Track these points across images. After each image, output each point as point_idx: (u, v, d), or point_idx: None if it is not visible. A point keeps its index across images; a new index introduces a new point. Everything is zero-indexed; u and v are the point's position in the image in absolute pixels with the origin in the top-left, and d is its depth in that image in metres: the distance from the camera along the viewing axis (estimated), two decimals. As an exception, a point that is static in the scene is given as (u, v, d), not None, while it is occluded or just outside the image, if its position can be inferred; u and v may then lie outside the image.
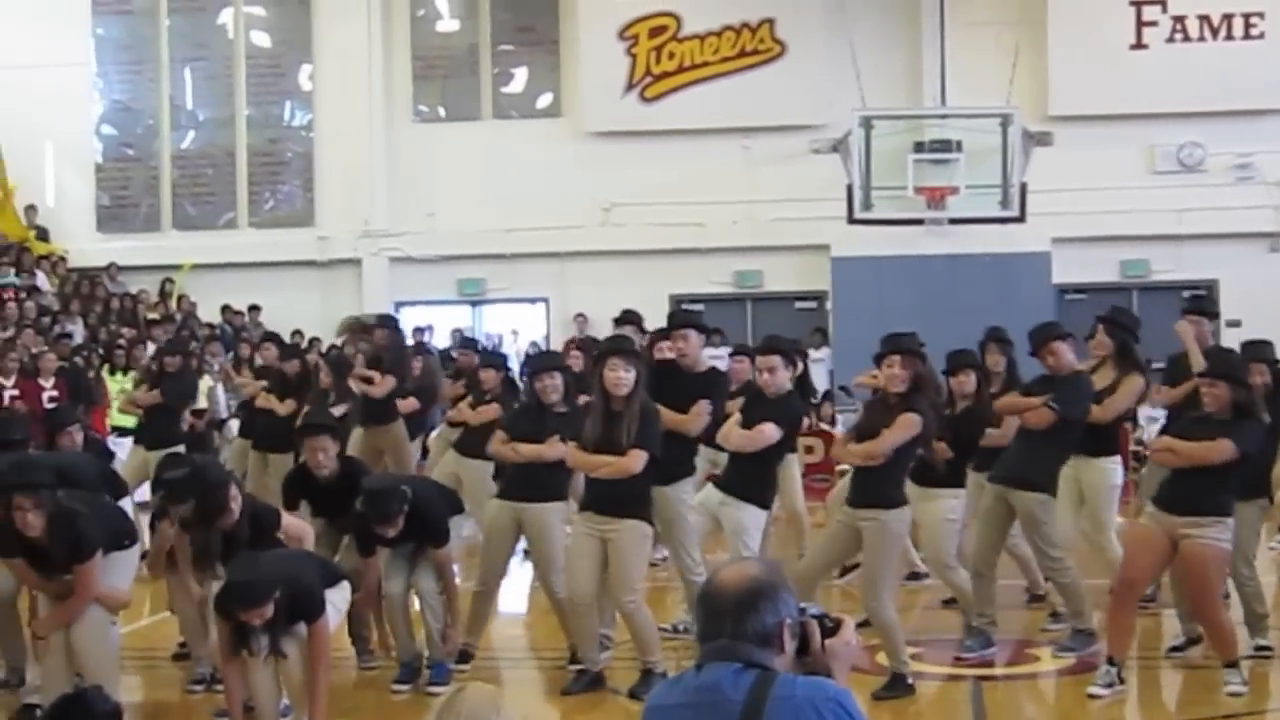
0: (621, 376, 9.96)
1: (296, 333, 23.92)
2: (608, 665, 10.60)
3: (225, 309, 26.14)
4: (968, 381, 11.65)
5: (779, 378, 10.70)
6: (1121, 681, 10.03)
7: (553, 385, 10.77)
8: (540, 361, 12.10)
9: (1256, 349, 11.29)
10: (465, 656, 10.98)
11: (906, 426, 9.87)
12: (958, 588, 11.51)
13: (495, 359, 15.67)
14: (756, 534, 10.88)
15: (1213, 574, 10.03)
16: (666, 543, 11.48)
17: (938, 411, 10.43)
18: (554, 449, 10.53)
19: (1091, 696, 9.98)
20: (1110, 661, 10.10)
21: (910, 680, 10.19)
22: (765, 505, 11.02)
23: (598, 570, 10.22)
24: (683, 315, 11.76)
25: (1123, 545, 10.72)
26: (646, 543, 10.28)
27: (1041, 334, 11.30)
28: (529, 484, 10.83)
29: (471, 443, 14.70)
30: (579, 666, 10.47)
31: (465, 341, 18.70)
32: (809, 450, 15.41)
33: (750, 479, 10.85)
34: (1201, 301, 13.15)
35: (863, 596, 10.30)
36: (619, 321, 15.34)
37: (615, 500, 10.08)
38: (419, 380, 16.56)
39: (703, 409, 10.88)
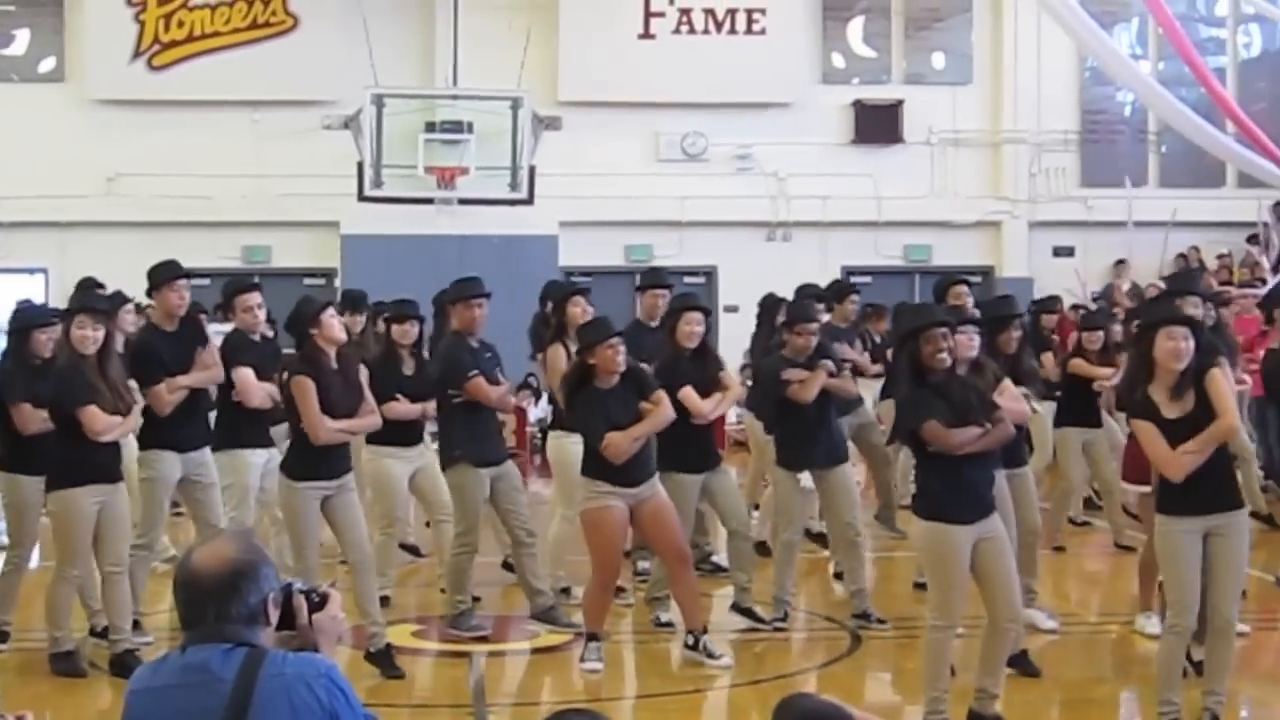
0: (89, 335, 9.88)
1: None
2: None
3: None
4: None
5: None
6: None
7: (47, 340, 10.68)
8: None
9: (687, 299, 11.90)
10: (3, 636, 10.90)
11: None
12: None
13: None
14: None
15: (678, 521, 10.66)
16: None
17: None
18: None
19: (590, 672, 10.27)
20: (594, 637, 10.41)
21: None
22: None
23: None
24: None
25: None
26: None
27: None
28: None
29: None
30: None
31: None
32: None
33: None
34: (658, 274, 13.72)
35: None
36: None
37: (113, 465, 10.17)
38: None
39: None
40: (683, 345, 11.21)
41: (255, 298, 11.43)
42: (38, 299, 25.26)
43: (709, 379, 11.28)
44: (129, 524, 10.33)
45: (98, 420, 9.91)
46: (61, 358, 10.12)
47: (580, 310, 11.92)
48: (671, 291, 13.03)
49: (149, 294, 11.27)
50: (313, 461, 10.09)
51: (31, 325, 10.90)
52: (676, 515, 10.55)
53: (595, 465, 10.31)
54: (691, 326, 11.24)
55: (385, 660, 10.17)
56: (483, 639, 11.19)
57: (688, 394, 10.98)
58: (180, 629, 4.34)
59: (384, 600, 11.42)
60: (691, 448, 11.14)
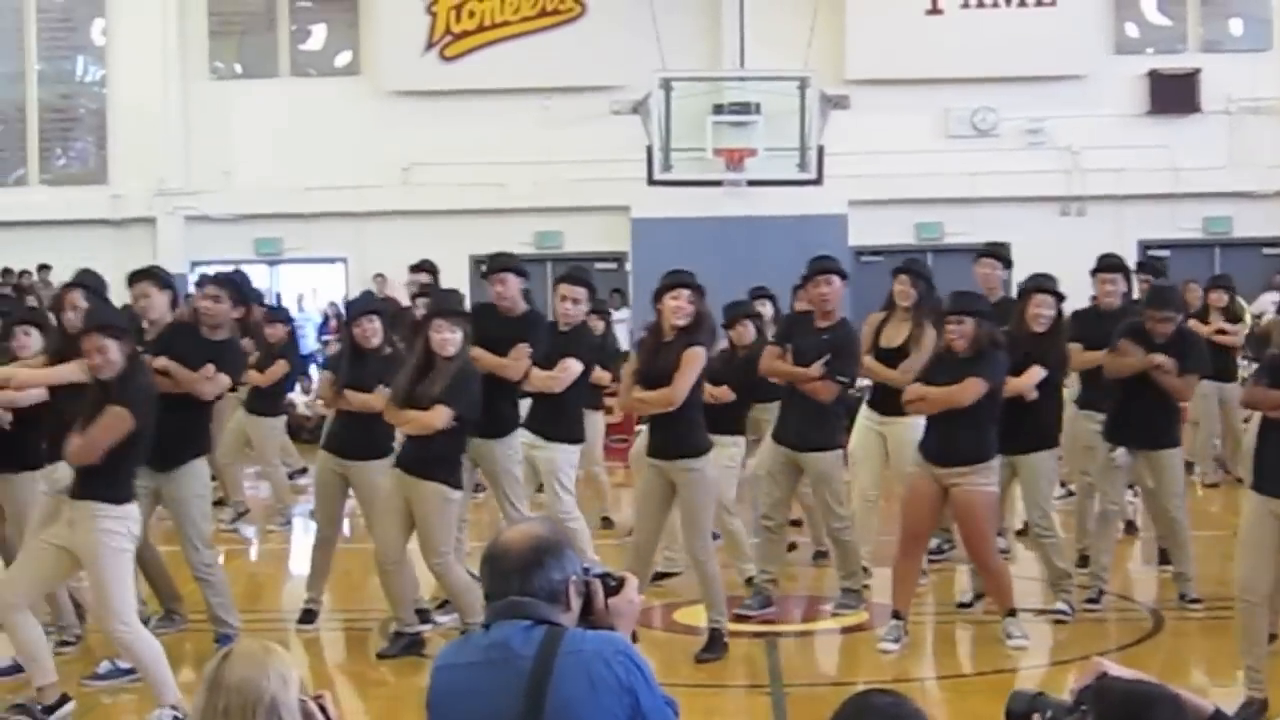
0: (448, 338, 9.93)
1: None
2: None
3: (6, 271, 25.29)
4: (746, 331, 12.12)
5: (580, 308, 11.02)
6: (905, 634, 10.25)
7: (372, 329, 10.79)
8: (359, 305, 11.82)
9: (1039, 280, 11.45)
10: (310, 615, 11.06)
11: (693, 361, 9.89)
12: (732, 536, 11.79)
13: (280, 313, 15.63)
14: (571, 471, 11.02)
15: (984, 519, 10.26)
16: (493, 497, 11.40)
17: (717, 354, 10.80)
18: (380, 399, 10.43)
19: (883, 651, 10.18)
20: (896, 615, 10.30)
21: (726, 639, 10.24)
22: (575, 441, 11.14)
23: (404, 530, 10.17)
24: (502, 259, 11.46)
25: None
26: (450, 506, 10.13)
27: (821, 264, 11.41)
28: (353, 439, 10.81)
29: (260, 401, 14.70)
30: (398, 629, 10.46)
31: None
32: (608, 411, 15.36)
33: (555, 417, 10.93)
34: (996, 247, 13.47)
35: (687, 548, 10.40)
36: (415, 269, 15.22)
37: (419, 460, 10.04)
38: None
39: (522, 352, 10.73)
40: (1030, 328, 10.96)
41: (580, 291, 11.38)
42: (338, 287, 26.17)
43: (1057, 357, 11.12)
44: (435, 523, 10.27)
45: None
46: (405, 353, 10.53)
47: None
48: (1009, 269, 13.00)
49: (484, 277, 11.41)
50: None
51: (351, 316, 11.24)
52: (987, 515, 10.31)
53: None
54: (1041, 310, 11.00)
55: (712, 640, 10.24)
56: (774, 620, 11.15)
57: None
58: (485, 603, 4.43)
59: (664, 576, 11.80)
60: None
